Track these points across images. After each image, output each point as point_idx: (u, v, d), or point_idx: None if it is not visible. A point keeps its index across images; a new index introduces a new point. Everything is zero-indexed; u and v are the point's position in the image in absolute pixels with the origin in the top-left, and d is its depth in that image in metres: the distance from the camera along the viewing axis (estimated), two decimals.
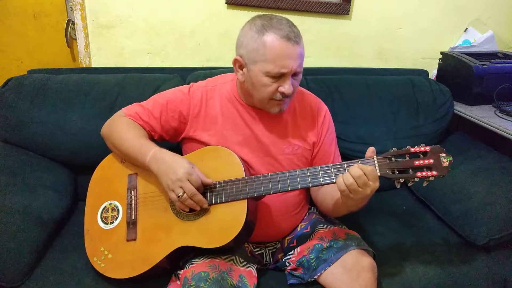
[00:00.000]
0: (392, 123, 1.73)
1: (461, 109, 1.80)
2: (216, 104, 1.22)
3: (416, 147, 1.04)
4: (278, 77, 1.08)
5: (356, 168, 0.99)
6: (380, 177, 1.02)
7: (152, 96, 1.27)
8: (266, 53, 1.05)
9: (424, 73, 1.95)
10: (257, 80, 1.10)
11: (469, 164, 1.59)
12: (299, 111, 1.26)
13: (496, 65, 1.78)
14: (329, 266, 1.14)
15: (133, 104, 1.26)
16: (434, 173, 1.02)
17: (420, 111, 1.76)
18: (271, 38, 1.04)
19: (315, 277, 1.17)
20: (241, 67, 1.13)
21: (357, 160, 1.05)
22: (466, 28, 2.04)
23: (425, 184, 1.05)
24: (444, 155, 1.03)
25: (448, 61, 1.92)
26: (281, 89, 1.09)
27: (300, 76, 1.14)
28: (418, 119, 1.76)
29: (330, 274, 1.14)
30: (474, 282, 1.31)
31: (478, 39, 2.01)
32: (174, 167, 1.07)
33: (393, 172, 1.03)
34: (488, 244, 1.34)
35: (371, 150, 1.05)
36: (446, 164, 1.02)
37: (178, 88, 1.28)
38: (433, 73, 2.04)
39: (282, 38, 1.04)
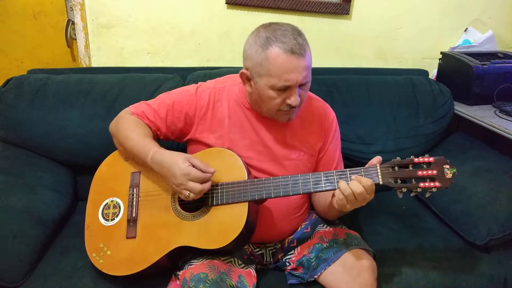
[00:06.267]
0: (392, 123, 1.73)
1: (461, 109, 1.80)
2: (223, 107, 1.21)
3: (420, 157, 1.03)
4: (284, 89, 1.07)
5: (357, 184, 1.00)
6: (382, 185, 1.02)
7: (160, 95, 1.26)
8: (270, 68, 1.04)
9: (424, 73, 1.95)
10: (264, 93, 1.09)
11: (469, 164, 1.58)
12: (306, 117, 1.25)
13: (496, 65, 1.78)
14: (329, 265, 1.14)
15: (140, 102, 1.25)
16: (437, 184, 1.01)
17: (420, 111, 1.76)
18: (274, 53, 1.03)
19: (315, 276, 1.17)
20: (248, 79, 1.12)
21: (360, 168, 1.05)
22: (466, 28, 2.04)
23: (427, 195, 1.04)
24: (447, 166, 1.02)
25: (448, 61, 1.92)
26: (288, 101, 1.09)
27: (308, 85, 1.12)
28: (418, 119, 1.76)
29: (330, 274, 1.14)
30: (474, 282, 1.31)
31: (478, 39, 2.01)
32: (172, 169, 1.05)
33: (396, 181, 1.03)
34: (488, 244, 1.34)
35: (377, 159, 1.05)
36: (449, 175, 1.02)
37: (185, 88, 1.26)
38: (433, 73, 2.04)
39: (285, 52, 1.02)
